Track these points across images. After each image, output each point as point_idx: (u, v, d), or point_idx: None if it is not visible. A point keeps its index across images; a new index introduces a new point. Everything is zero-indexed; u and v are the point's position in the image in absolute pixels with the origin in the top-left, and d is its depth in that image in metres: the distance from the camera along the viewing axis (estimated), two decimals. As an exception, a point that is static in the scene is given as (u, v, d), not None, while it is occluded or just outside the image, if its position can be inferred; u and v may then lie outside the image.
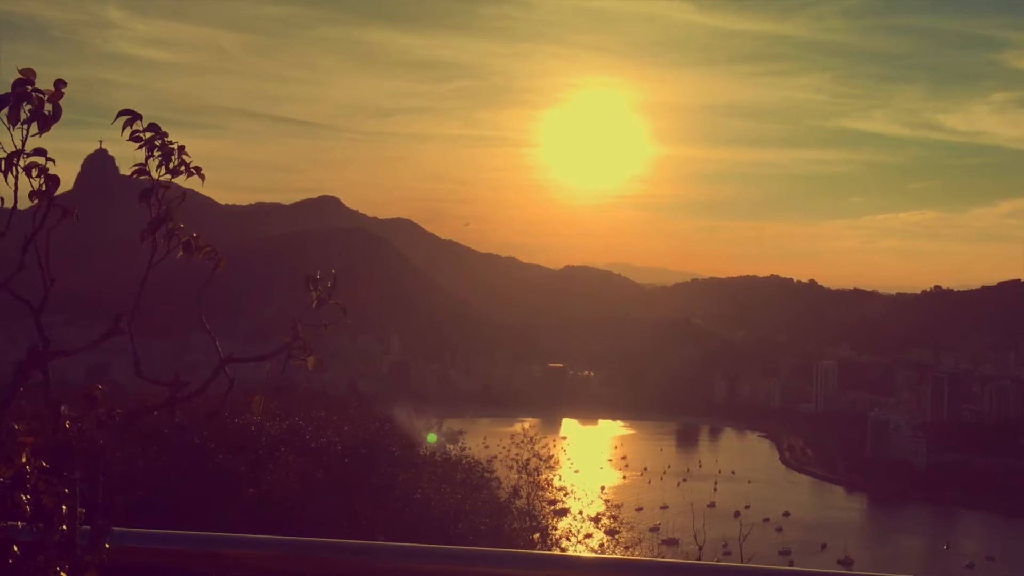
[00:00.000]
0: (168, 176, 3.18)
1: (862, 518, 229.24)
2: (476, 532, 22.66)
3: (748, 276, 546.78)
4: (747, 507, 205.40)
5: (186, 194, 3.26)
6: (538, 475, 39.09)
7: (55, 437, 2.89)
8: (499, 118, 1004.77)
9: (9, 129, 2.80)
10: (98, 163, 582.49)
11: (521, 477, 38.24)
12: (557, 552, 18.09)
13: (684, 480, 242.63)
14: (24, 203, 3.03)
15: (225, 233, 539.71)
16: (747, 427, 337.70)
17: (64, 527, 2.88)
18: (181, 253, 3.31)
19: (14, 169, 2.85)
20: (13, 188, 2.83)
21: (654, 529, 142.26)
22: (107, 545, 2.94)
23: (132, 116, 3.11)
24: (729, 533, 62.76)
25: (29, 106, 2.81)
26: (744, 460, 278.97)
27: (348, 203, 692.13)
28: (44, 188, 2.92)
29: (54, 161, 2.93)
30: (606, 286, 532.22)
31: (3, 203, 2.94)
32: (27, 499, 2.85)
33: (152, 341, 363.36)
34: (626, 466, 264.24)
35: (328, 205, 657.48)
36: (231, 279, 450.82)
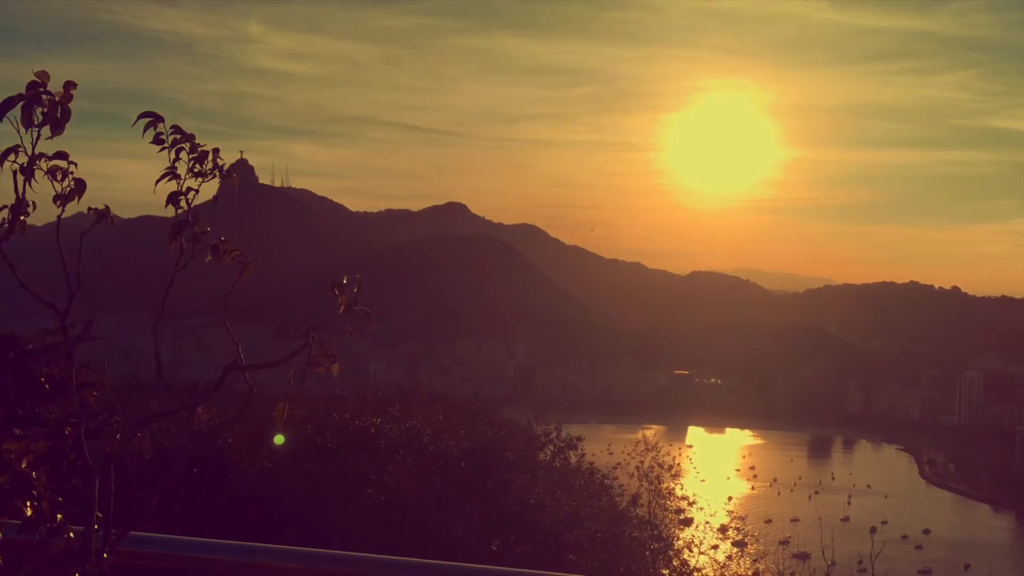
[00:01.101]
0: (199, 180, 3.19)
1: (1010, 538, 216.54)
2: (592, 539, 22.45)
3: (885, 282, 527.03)
4: (884, 523, 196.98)
5: (218, 199, 3.26)
6: (659, 483, 38.46)
7: (48, 444, 2.90)
8: (624, 123, 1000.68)
9: (18, 132, 2.85)
10: (239, 171, 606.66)
11: (642, 485, 37.74)
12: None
13: (816, 493, 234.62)
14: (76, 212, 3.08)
15: (356, 239, 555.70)
16: (883, 440, 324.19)
17: (71, 534, 2.90)
18: (209, 258, 3.32)
19: (35, 172, 2.89)
20: (20, 191, 2.87)
21: (784, 542, 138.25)
22: (106, 555, 2.93)
23: (154, 118, 3.13)
24: (864, 549, 60.40)
25: (42, 109, 2.85)
26: (880, 474, 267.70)
27: (474, 209, 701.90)
28: (68, 192, 2.96)
29: (76, 164, 2.98)
30: (734, 292, 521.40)
31: (35, 208, 3.00)
32: (31, 505, 2.88)
33: (287, 343, 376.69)
34: (754, 477, 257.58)
35: (455, 211, 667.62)
36: (363, 284, 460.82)
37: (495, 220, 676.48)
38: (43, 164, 2.91)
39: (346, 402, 27.01)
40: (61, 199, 2.95)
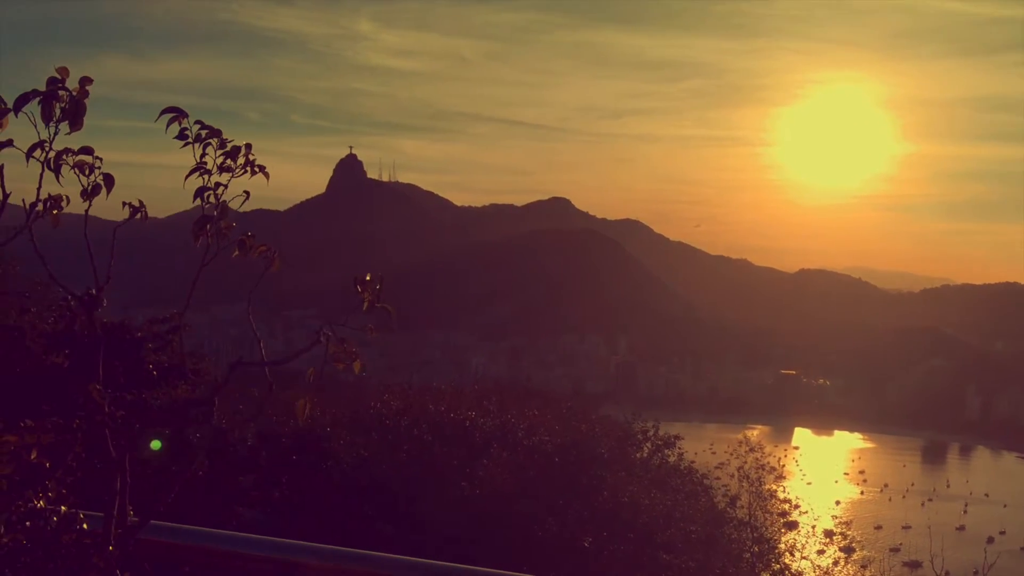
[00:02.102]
0: (227, 175, 3.21)
1: None
2: (686, 540, 22.15)
3: (1008, 283, 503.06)
4: (1002, 533, 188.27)
5: (249, 194, 3.29)
6: (760, 485, 37.70)
7: (54, 437, 2.93)
8: (733, 117, 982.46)
9: (36, 128, 2.91)
10: (349, 167, 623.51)
11: (742, 486, 37.05)
12: None
13: (929, 500, 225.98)
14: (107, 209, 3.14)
15: (461, 233, 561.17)
16: (1003, 447, 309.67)
17: (84, 526, 2.92)
18: (236, 252, 3.34)
19: (62, 167, 2.96)
20: (37, 185, 2.95)
21: (894, 549, 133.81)
22: (111, 548, 2.95)
23: (177, 114, 3.16)
24: (980, 560, 58.15)
25: (61, 105, 2.91)
26: (999, 482, 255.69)
27: (578, 204, 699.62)
28: (92, 187, 3.01)
29: (101, 159, 3.03)
30: (845, 291, 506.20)
31: (68, 202, 3.07)
32: (41, 496, 2.90)
33: (392, 336, 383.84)
34: (864, 481, 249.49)
35: (559, 206, 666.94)
36: (468, 278, 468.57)
37: (599, 215, 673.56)
38: (69, 159, 2.98)
39: (443, 395, 27.33)
40: (87, 194, 3.03)
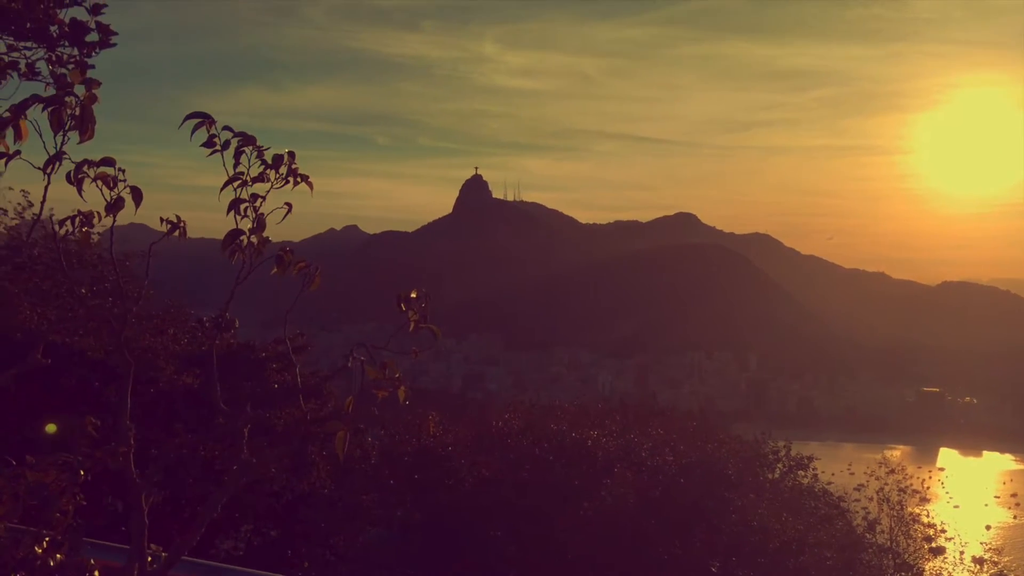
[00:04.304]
0: (265, 185, 3.01)
1: None
2: (821, 566, 21.12)
3: None
4: None
5: (291, 207, 3.07)
6: (903, 508, 35.91)
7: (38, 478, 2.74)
8: (867, 125, 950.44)
9: (42, 139, 2.77)
10: (474, 187, 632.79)
11: (882, 509, 35.39)
12: None
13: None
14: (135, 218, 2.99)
15: (587, 251, 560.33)
16: None
17: (96, 574, 2.73)
18: (275, 270, 3.13)
19: (83, 179, 2.82)
20: (43, 193, 2.80)
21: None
22: None
23: (204, 119, 2.97)
24: None
25: (71, 112, 2.76)
26: None
27: (705, 219, 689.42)
28: (115, 201, 2.86)
29: (124, 171, 2.87)
30: (991, 304, 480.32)
31: (100, 218, 2.94)
32: (47, 540, 2.72)
33: (520, 354, 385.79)
34: (1017, 505, 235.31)
35: (685, 222, 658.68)
36: (594, 295, 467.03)
37: (727, 230, 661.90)
38: (90, 171, 2.86)
39: (565, 413, 27.03)
40: (112, 207, 2.88)
